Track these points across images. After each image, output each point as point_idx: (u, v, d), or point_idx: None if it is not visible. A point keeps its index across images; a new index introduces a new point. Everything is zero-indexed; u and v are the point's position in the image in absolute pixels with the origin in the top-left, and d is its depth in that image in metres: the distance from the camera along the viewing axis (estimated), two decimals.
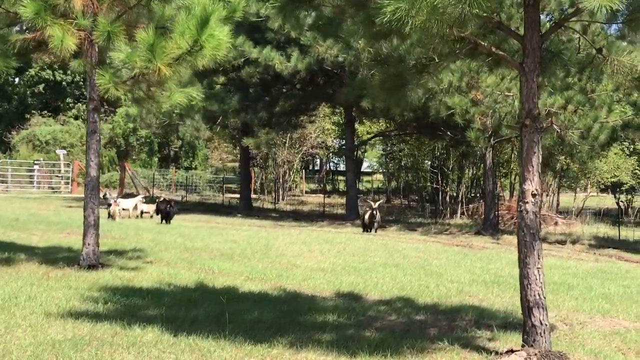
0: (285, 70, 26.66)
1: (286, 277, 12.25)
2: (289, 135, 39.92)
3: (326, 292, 11.12)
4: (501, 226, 27.76)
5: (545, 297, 7.39)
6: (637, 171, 32.69)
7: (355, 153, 31.40)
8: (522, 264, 7.36)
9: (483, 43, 7.46)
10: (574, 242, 22.18)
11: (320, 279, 12.16)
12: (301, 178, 49.01)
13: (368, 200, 25.94)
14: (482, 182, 29.26)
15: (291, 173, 41.89)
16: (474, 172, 36.45)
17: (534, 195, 7.26)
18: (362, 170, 58.16)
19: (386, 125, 34.48)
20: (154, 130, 32.92)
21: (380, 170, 53.60)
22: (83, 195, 13.08)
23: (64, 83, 51.95)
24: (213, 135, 31.20)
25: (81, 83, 50.98)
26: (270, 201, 39.35)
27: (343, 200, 35.50)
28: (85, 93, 49.86)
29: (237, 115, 28.13)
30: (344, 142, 46.51)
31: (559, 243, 22.27)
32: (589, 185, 39.36)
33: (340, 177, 58.57)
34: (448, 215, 32.91)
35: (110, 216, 24.57)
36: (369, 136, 37.69)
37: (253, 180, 44.94)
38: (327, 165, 60.16)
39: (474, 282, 12.83)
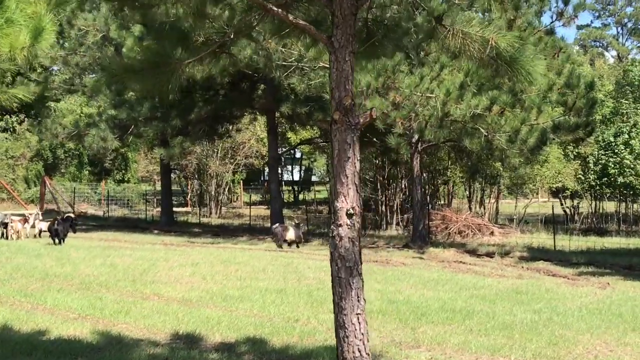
0: (197, 74, 24.55)
1: (126, 313, 10.19)
2: (221, 145, 37.82)
3: (161, 333, 9.10)
4: (439, 237, 26.01)
5: (369, 354, 5.43)
6: (580, 176, 31.10)
7: (280, 162, 29.32)
8: (337, 308, 5.43)
9: (278, 10, 5.51)
10: (503, 255, 20.41)
11: (168, 315, 10.13)
12: (241, 190, 46.92)
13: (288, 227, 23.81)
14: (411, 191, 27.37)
15: (224, 185, 39.65)
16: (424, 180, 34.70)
17: (350, 216, 5.33)
18: (312, 180, 56.40)
19: (313, 132, 32.52)
20: (60, 141, 30.62)
21: (324, 180, 51.84)
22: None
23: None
24: (123, 145, 29.00)
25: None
26: (203, 215, 37.22)
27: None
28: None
29: (149, 124, 26.00)
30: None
31: (488, 256, 20.49)
32: (540, 191, 37.86)
33: (287, 187, 56.60)
34: (385, 225, 31.10)
35: (5, 237, 22.36)
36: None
37: (189, 193, 42.74)
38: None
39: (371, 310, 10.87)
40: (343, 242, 5.33)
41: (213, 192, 38.51)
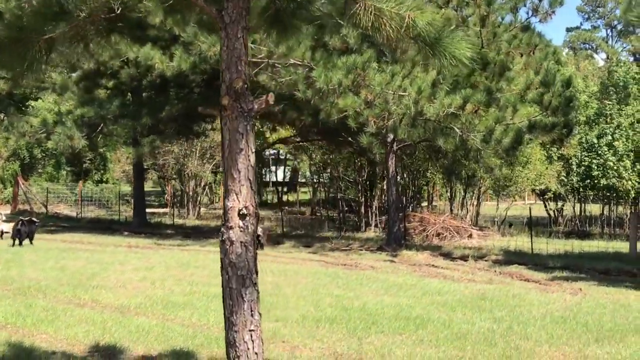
0: (168, 71, 23.85)
1: (50, 322, 9.44)
2: (199, 144, 37.01)
3: (80, 345, 8.36)
4: (416, 240, 25.30)
5: None
6: (563, 178, 30.41)
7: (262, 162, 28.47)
8: (228, 324, 4.71)
9: None
10: (478, 258, 19.70)
11: (95, 325, 9.39)
12: (222, 191, 46.04)
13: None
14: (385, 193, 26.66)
15: (203, 185, 38.79)
16: (401, 181, 34.04)
17: (243, 216, 4.60)
18: (298, 180, 55.65)
19: (291, 131, 31.72)
20: (27, 140, 29.81)
21: (309, 181, 51.01)
22: None
23: None
24: (92, 144, 28.18)
25: None
26: (181, 216, 36.41)
27: (263, 213, 32.59)
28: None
29: (118, 122, 25.22)
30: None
31: (462, 259, 19.77)
32: (527, 193, 37.18)
33: (272, 189, 55.76)
34: (364, 227, 30.41)
35: None
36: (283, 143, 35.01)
37: (169, 194, 41.89)
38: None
39: (306, 320, 10.17)
40: (234, 248, 4.61)
41: (191, 193, 37.65)
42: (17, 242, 20.25)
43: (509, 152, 19.49)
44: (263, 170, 54.49)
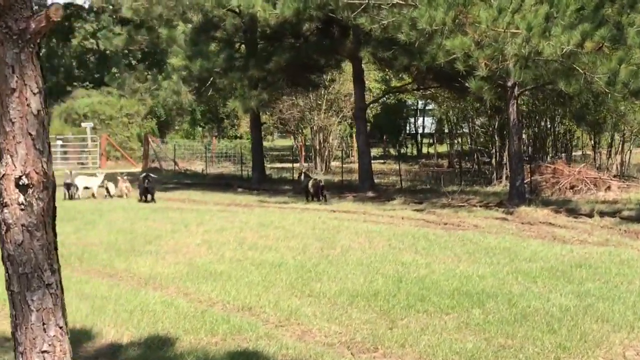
0: (271, 19, 22.57)
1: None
2: (325, 97, 35.69)
3: None
4: (547, 194, 22.94)
5: None
6: None
7: (365, 113, 26.77)
8: (15, 341, 3.27)
9: None
10: (606, 214, 17.23)
11: (85, 302, 8.32)
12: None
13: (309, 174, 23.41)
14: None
15: (332, 139, 37.43)
16: (533, 128, 31.40)
17: (23, 188, 3.14)
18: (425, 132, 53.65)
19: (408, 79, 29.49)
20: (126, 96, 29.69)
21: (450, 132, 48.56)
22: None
23: (107, 52, 49.26)
24: (199, 99, 27.45)
25: (127, 52, 48.22)
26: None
27: (397, 167, 30.74)
28: (133, 62, 47.31)
29: (226, 75, 24.27)
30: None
31: (588, 215, 17.37)
32: None
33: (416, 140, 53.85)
34: (495, 180, 28.17)
35: (70, 197, 21.64)
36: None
37: (298, 148, 41.01)
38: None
39: (341, 295, 8.64)
40: (12, 234, 3.18)
41: (318, 147, 36.48)
42: (148, 197, 21.22)
43: (638, 96, 16.78)
44: (403, 122, 52.63)
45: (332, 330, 7.31)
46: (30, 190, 3.18)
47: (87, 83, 47.98)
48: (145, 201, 21.11)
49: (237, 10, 23.71)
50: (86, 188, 22.39)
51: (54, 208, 3.36)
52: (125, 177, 23.72)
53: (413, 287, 9.09)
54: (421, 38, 18.84)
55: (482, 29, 17.04)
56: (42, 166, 3.20)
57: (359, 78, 25.12)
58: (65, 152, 40.49)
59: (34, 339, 3.21)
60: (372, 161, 27.12)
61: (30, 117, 3.17)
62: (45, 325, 3.23)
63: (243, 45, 27.68)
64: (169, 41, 24.68)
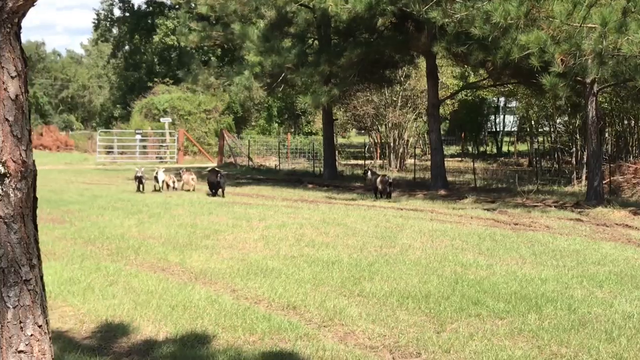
0: (342, 14, 22.26)
1: (78, 293, 8.35)
2: (400, 93, 35.20)
3: (90, 324, 7.18)
4: (627, 195, 21.98)
5: None
6: None
7: (439, 109, 26.15)
8: None
9: None
10: None
11: (130, 295, 8.21)
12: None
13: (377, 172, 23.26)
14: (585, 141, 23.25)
15: (407, 136, 36.89)
16: (617, 127, 30.32)
17: (0, 177, 2.95)
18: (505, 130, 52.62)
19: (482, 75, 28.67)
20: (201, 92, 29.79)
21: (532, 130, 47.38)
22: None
23: (188, 48, 49.91)
24: (270, 94, 27.33)
25: (205, 48, 48.78)
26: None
27: (474, 165, 30.04)
28: (212, 59, 47.72)
29: (297, 71, 24.12)
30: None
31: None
32: None
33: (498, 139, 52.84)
34: (575, 180, 27.20)
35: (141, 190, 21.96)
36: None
37: (373, 145, 40.61)
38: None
39: (391, 296, 8.30)
40: None
41: (392, 144, 36.02)
42: (219, 192, 21.25)
43: None
44: (484, 120, 51.63)
45: (376, 332, 6.99)
46: (6, 180, 2.98)
47: (167, 79, 48.65)
48: (215, 195, 21.11)
49: (309, 5, 23.52)
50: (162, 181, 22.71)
51: (35, 199, 3.16)
52: (190, 170, 24.01)
53: (469, 289, 8.68)
54: (495, 32, 18.20)
55: (556, 23, 16.38)
56: (20, 154, 3.00)
57: (432, 74, 24.59)
58: (144, 147, 41.19)
59: (10, 337, 3.02)
60: (450, 159, 26.59)
61: (8, 102, 2.97)
62: (22, 324, 3.03)
63: (316, 41, 27.52)
64: (242, 37, 24.66)
